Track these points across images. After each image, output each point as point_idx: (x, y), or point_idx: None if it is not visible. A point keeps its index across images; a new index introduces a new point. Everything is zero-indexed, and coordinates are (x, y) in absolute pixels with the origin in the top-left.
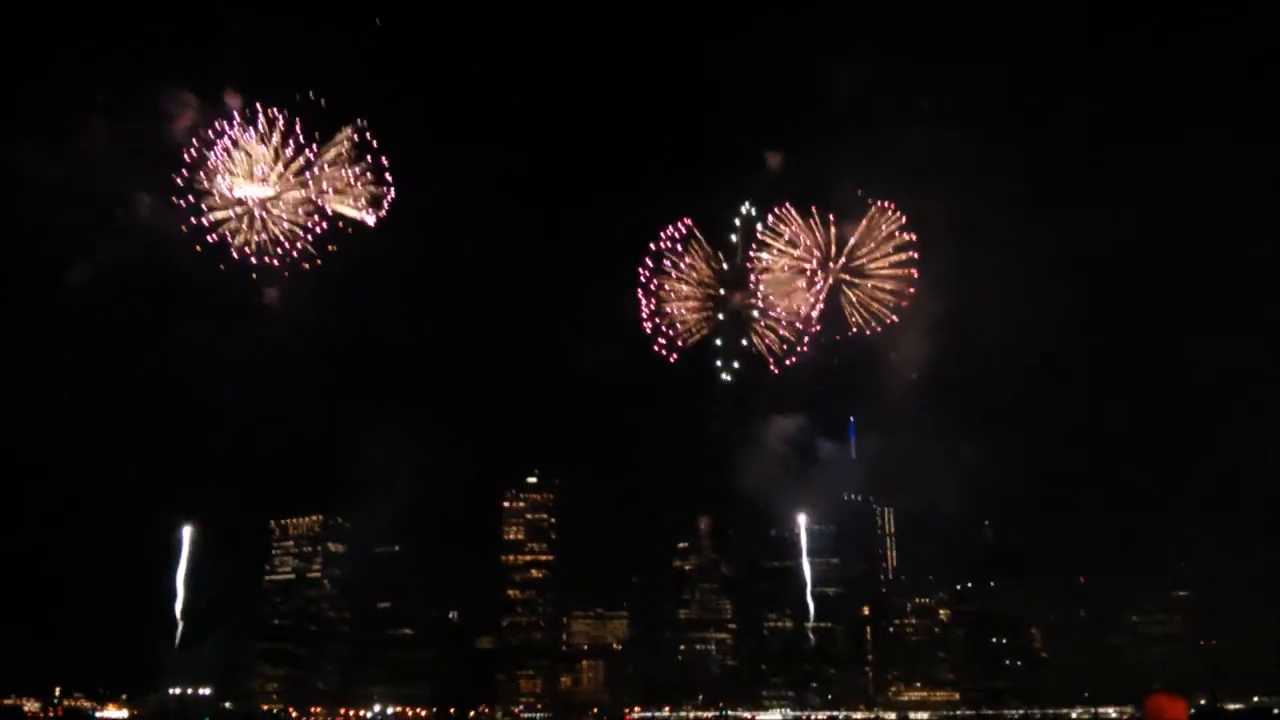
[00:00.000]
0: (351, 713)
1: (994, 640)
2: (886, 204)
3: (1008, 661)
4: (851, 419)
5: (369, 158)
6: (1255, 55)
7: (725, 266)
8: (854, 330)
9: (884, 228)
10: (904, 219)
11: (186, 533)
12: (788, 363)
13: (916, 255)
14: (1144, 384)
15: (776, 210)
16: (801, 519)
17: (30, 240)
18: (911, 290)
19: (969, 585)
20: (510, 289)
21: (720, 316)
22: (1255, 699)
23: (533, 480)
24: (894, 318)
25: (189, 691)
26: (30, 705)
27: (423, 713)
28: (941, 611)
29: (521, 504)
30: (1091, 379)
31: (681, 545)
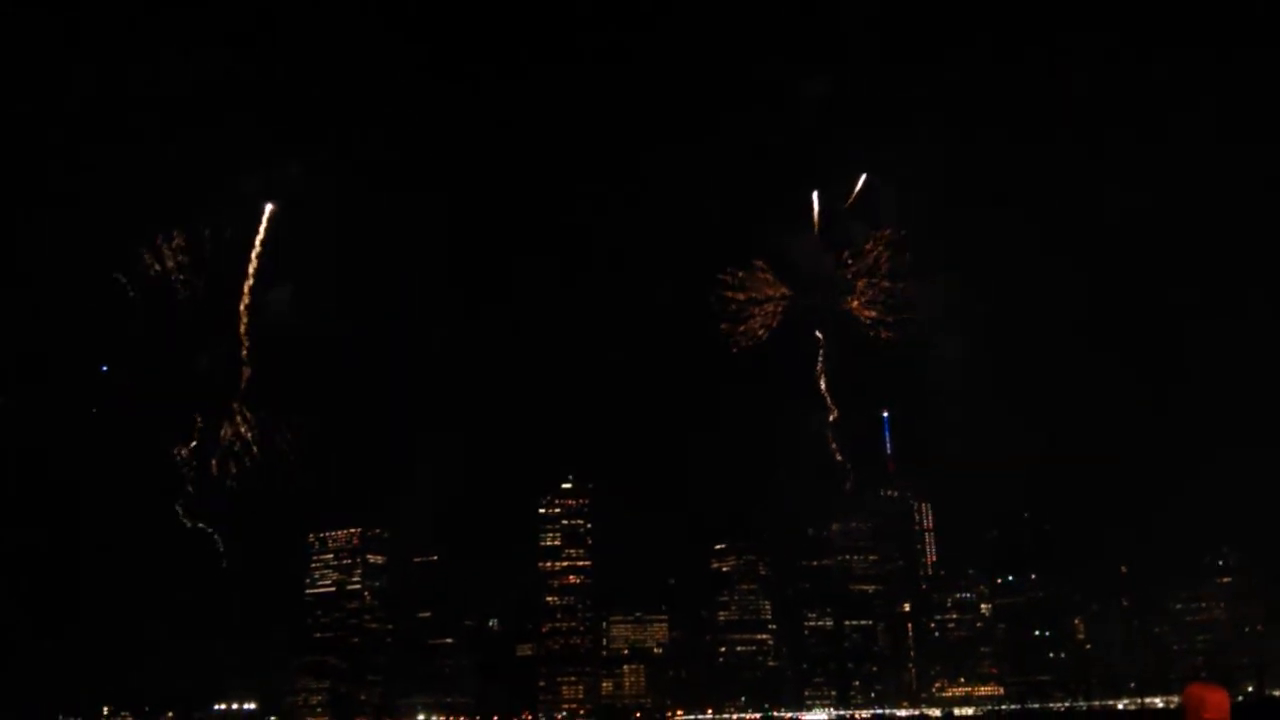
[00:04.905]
0: None
1: (1036, 633)
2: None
3: (1051, 654)
4: (885, 415)
5: None
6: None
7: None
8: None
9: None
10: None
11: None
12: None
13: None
14: (1184, 370)
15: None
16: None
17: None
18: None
19: (1009, 579)
20: (543, 293)
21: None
22: None
23: (567, 486)
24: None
25: (234, 706)
26: None
27: None
28: (982, 606)
29: (557, 510)
30: (1129, 365)
31: (719, 547)
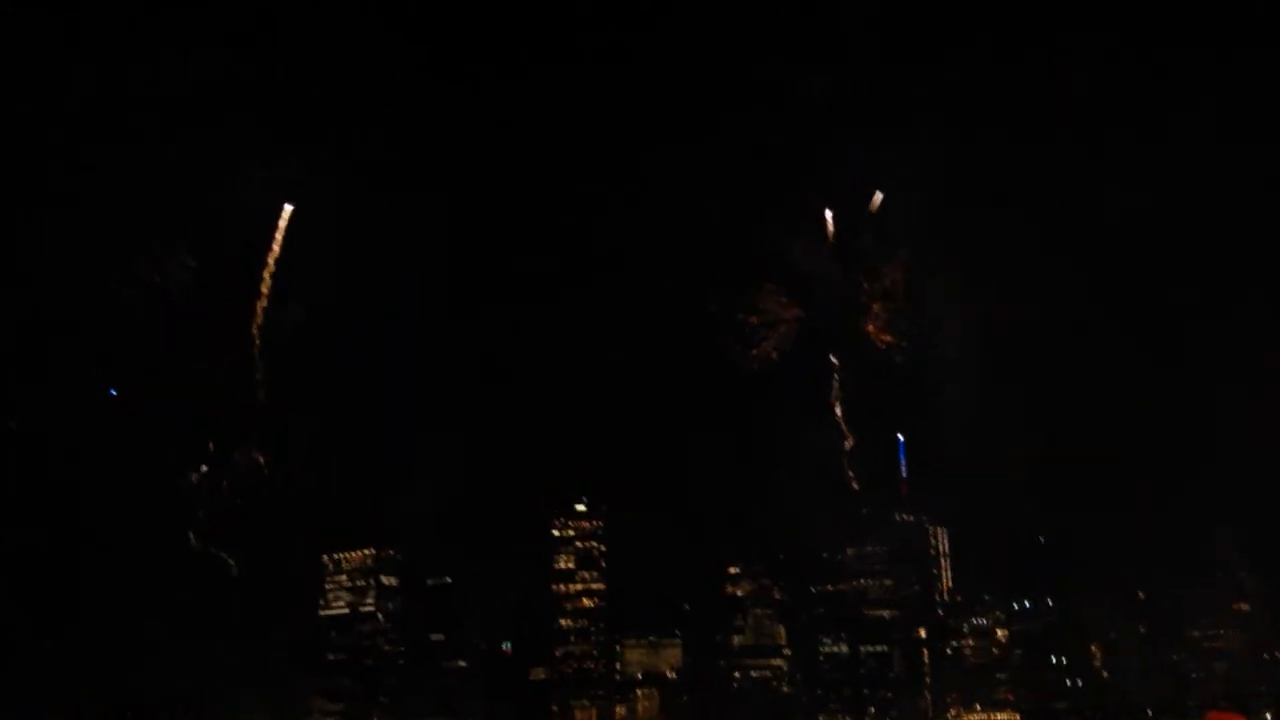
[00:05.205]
0: None
1: (1053, 660)
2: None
3: (1068, 681)
4: (900, 437)
5: None
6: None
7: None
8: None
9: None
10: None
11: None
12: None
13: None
14: (1206, 387)
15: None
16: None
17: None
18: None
19: (1026, 605)
20: (553, 315)
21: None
22: None
23: (581, 508)
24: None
25: None
26: None
27: None
28: (999, 632)
29: (571, 532)
30: (1148, 382)
31: (733, 570)
